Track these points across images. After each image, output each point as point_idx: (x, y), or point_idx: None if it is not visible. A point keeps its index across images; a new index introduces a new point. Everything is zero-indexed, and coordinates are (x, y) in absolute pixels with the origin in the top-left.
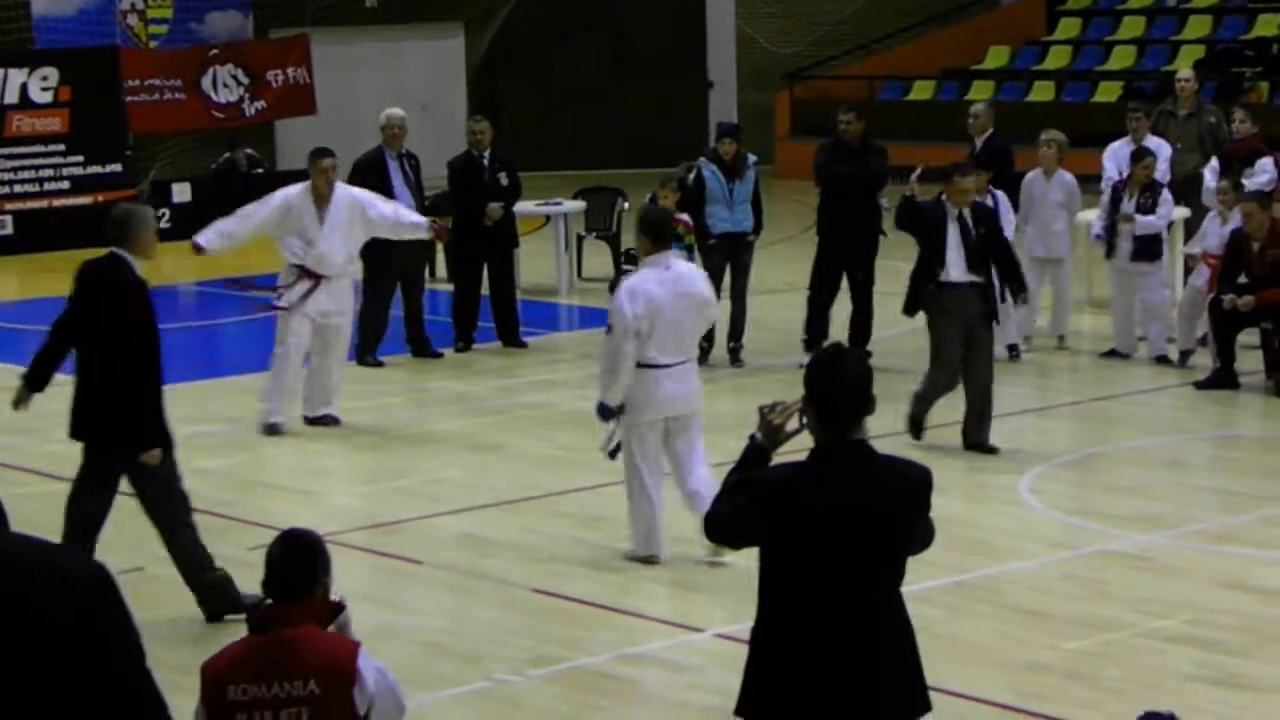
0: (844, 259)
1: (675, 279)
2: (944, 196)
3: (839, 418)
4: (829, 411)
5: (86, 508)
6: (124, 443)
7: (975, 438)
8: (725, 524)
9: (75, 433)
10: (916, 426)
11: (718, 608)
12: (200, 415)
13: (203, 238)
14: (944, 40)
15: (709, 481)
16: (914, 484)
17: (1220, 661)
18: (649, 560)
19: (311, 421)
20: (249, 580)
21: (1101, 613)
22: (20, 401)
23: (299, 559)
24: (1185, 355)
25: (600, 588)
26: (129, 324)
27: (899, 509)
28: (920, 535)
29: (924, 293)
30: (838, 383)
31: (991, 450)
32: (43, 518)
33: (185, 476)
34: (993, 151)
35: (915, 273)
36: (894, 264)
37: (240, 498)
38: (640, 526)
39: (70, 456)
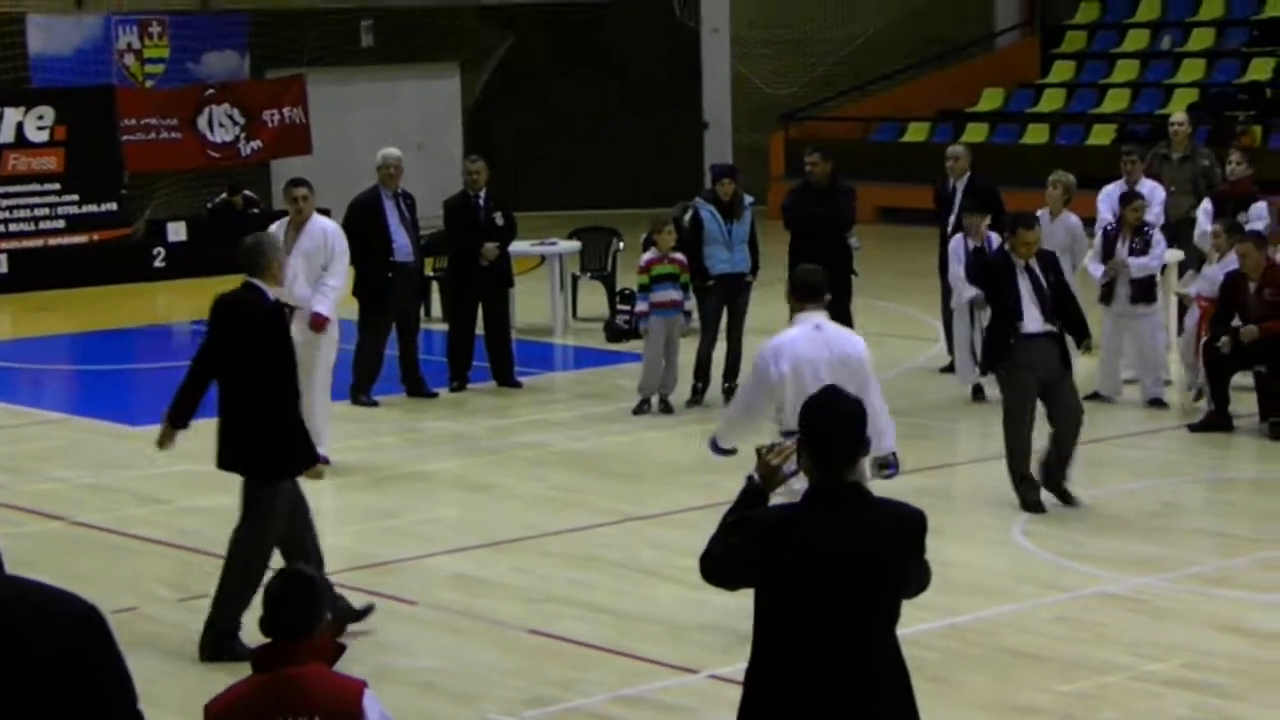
0: None
1: (827, 341)
2: (1009, 248)
3: (832, 459)
4: (822, 452)
5: (287, 533)
6: (271, 467)
7: (1056, 477)
8: (720, 564)
9: (223, 463)
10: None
11: (713, 649)
12: (196, 453)
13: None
14: (939, 82)
15: None
16: (909, 526)
17: (1216, 705)
18: None
19: None
20: (245, 624)
21: (1096, 655)
22: (166, 439)
23: (299, 595)
24: (1200, 393)
25: (595, 628)
26: (266, 350)
27: (894, 551)
28: (916, 578)
29: (1003, 348)
30: (831, 424)
31: (1070, 500)
32: (36, 556)
33: (177, 515)
34: (981, 193)
35: (991, 328)
36: (876, 304)
37: None
38: None
39: (62, 495)
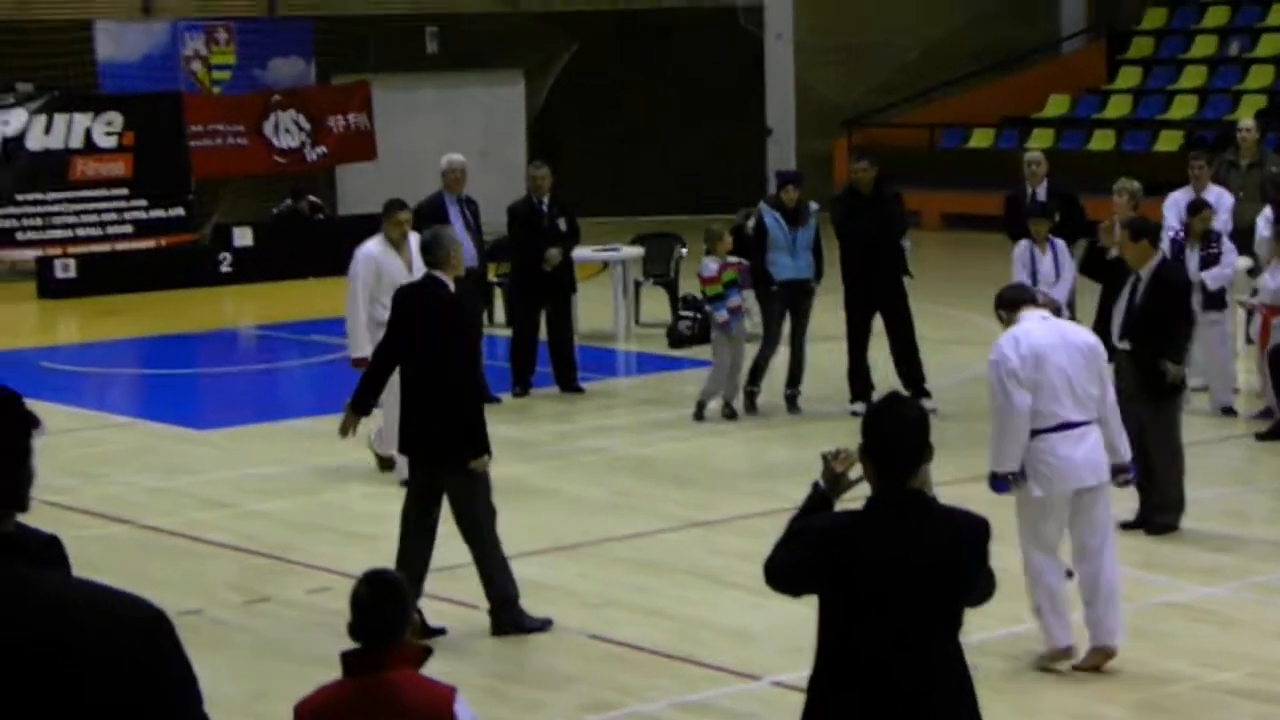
0: (873, 307)
1: (1060, 327)
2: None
3: (894, 465)
4: (884, 459)
5: (423, 523)
6: (453, 454)
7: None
8: (783, 571)
9: (404, 447)
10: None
11: (776, 655)
12: (258, 458)
13: (359, 351)
14: (1004, 88)
15: (1109, 574)
16: (972, 534)
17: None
18: (1062, 655)
19: (384, 460)
20: (310, 625)
21: (1163, 665)
22: (349, 426)
23: (387, 600)
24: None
25: (657, 634)
26: (448, 339)
27: (957, 558)
28: (981, 586)
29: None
30: (893, 430)
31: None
32: (103, 559)
33: (242, 519)
34: (1064, 199)
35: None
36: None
37: (298, 540)
38: (1047, 617)
39: (128, 499)
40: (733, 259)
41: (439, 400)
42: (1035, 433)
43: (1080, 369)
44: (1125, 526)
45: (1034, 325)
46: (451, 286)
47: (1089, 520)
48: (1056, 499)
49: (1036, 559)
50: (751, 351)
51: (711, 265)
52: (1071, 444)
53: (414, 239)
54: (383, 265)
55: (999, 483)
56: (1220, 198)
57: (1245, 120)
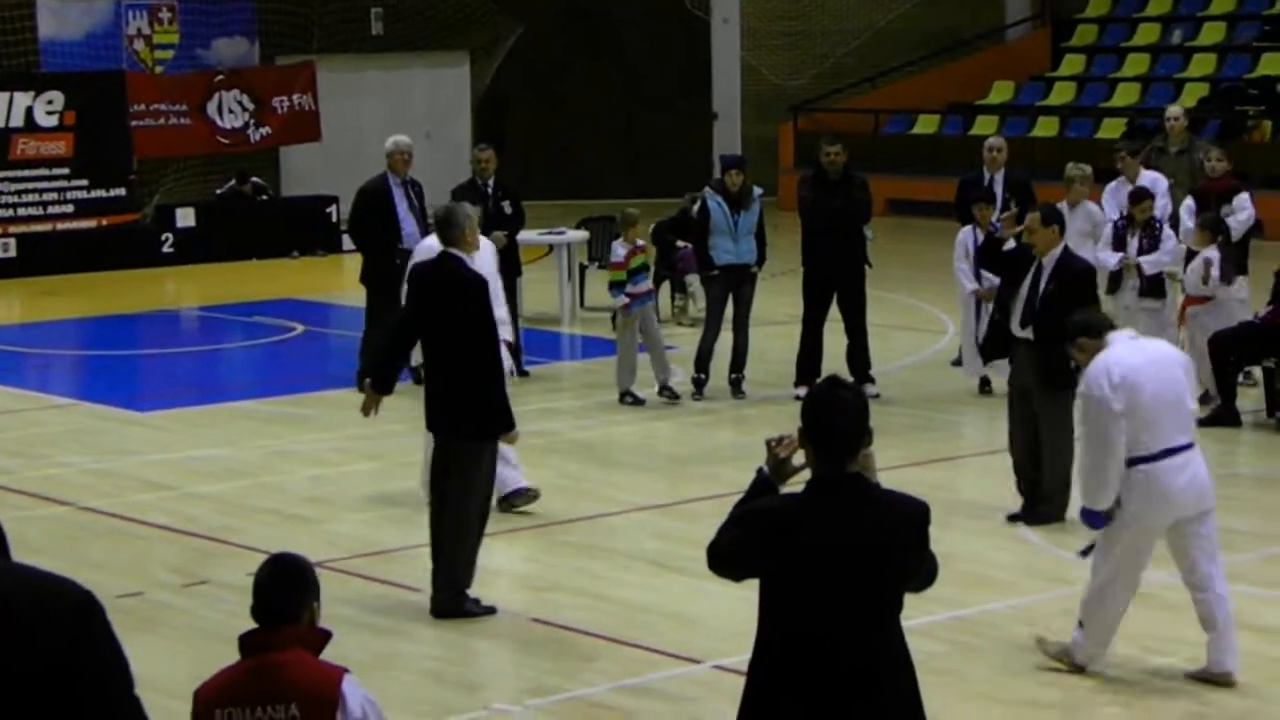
0: (831, 291)
1: (1147, 345)
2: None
3: (833, 449)
4: (823, 443)
5: (482, 495)
6: (476, 428)
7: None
8: (724, 555)
9: (432, 425)
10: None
11: (718, 639)
12: (200, 440)
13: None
14: (949, 75)
15: (1226, 599)
16: (912, 517)
17: (1222, 699)
18: (1077, 670)
19: (506, 500)
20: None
21: None
22: (371, 405)
23: (285, 582)
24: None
25: (600, 617)
26: (466, 317)
27: (896, 542)
28: (922, 571)
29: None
30: (831, 414)
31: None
32: (43, 541)
33: (182, 501)
34: (1018, 185)
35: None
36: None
37: (239, 524)
38: (1094, 630)
39: (68, 481)
40: (641, 243)
41: (462, 377)
42: (1134, 461)
43: (1180, 387)
44: (1011, 519)
45: (1123, 350)
46: (468, 263)
47: (1197, 546)
48: (1151, 532)
49: (1110, 588)
50: (694, 337)
51: (620, 250)
52: (1173, 473)
53: (486, 243)
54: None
55: (1094, 518)
56: (1156, 182)
57: (1173, 108)
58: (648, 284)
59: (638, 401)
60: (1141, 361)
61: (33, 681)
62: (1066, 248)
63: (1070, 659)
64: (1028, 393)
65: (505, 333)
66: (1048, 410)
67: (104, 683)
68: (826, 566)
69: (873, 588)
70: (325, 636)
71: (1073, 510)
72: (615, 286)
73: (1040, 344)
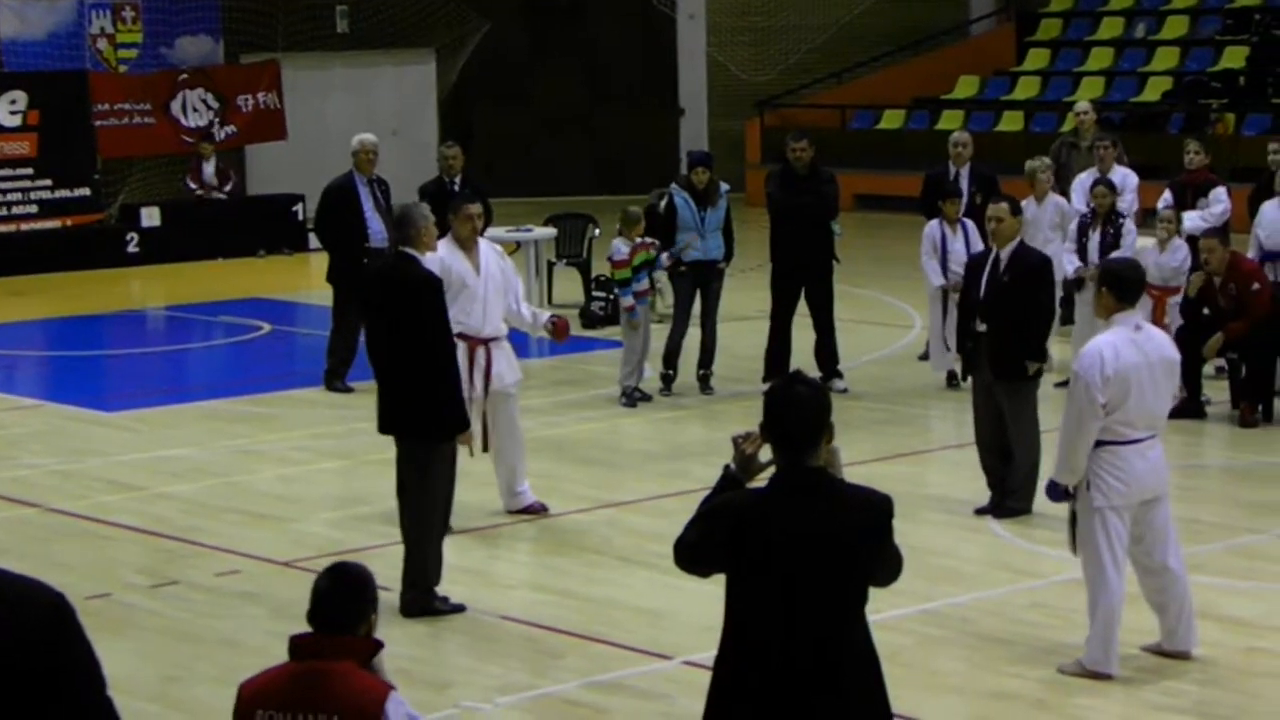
0: (799, 286)
1: (1148, 340)
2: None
3: (794, 444)
4: (784, 438)
5: (442, 494)
6: (430, 430)
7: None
8: (691, 551)
9: (384, 427)
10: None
11: (687, 634)
12: (167, 440)
13: None
14: (914, 70)
15: (1181, 560)
16: (873, 511)
17: (1187, 690)
18: (1100, 677)
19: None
20: (218, 608)
21: (1069, 641)
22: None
23: (345, 593)
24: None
25: (569, 614)
26: (420, 317)
27: (858, 535)
28: (887, 564)
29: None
30: (791, 409)
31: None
32: (10, 543)
33: (150, 501)
34: (984, 180)
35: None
36: (853, 290)
37: (207, 524)
38: (1099, 629)
39: (35, 482)
40: (645, 239)
41: (415, 377)
42: (1102, 443)
43: (1161, 388)
44: (978, 512)
45: (1125, 342)
46: (423, 263)
47: (1152, 530)
48: (1120, 510)
49: (1098, 573)
50: (663, 333)
51: (622, 248)
52: (1137, 456)
53: (487, 245)
54: (450, 267)
55: (1058, 492)
56: (1126, 178)
57: (1081, 103)
58: (647, 282)
59: (645, 398)
60: (1139, 361)
61: (4, 684)
62: (1022, 241)
63: (1090, 673)
64: (990, 386)
65: (542, 317)
66: (1010, 402)
67: (77, 684)
68: (790, 560)
69: (836, 582)
70: (377, 646)
71: (1040, 503)
72: (620, 285)
73: (994, 335)
